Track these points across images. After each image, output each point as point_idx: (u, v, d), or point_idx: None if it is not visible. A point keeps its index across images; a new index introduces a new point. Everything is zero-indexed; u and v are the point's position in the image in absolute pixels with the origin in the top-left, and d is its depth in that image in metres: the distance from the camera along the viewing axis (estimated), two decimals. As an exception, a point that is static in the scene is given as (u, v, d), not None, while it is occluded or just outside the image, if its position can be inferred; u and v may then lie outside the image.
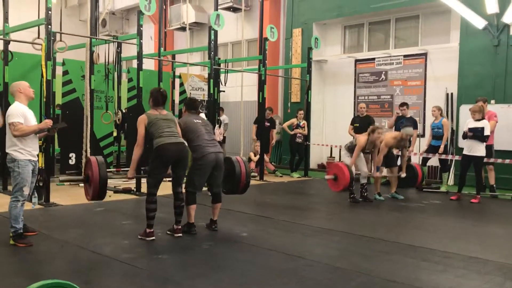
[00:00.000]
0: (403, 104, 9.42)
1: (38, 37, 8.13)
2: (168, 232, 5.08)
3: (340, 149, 10.42)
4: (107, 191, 8.04)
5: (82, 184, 8.48)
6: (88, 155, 8.84)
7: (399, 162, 8.23)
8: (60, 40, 7.97)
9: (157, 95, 5.05)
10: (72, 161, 9.33)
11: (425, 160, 9.15)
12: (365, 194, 7.68)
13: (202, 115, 8.31)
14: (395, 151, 8.22)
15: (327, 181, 7.59)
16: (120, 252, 4.37)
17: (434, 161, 9.49)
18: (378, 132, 7.44)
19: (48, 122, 4.80)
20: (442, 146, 8.76)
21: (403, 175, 8.04)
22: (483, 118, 7.63)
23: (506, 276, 3.91)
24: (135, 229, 5.21)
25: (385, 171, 8.07)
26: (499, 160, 8.32)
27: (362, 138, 7.53)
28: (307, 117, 11.37)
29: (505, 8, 9.12)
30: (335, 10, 12.03)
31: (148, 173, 4.93)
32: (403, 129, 7.96)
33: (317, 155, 12.73)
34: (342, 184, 7.28)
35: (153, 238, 4.83)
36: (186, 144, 5.07)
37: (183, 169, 5.02)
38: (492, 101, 9.16)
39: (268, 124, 11.25)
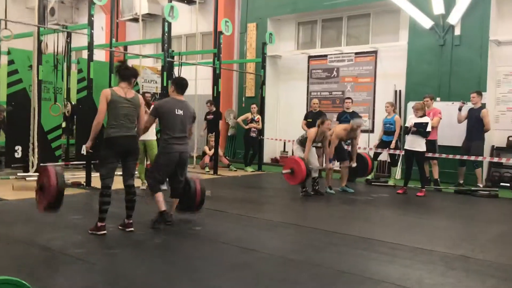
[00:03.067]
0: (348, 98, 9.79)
1: (-19, 25, 7.75)
2: (120, 227, 4.98)
3: (293, 144, 10.57)
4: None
5: (30, 179, 8.25)
6: (35, 148, 8.56)
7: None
8: (5, 28, 7.63)
9: (123, 71, 4.94)
10: (18, 154, 8.96)
11: (376, 155, 9.44)
12: (317, 187, 7.85)
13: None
14: (346, 147, 8.45)
15: (284, 175, 7.68)
16: (70, 247, 4.27)
17: (383, 155, 9.81)
18: (327, 124, 7.64)
19: None
20: (394, 142, 9.04)
21: (354, 165, 8.27)
22: (424, 115, 7.99)
23: (448, 265, 4.12)
24: (85, 224, 5.09)
25: (336, 165, 8.28)
26: (443, 155, 8.71)
27: (312, 130, 7.71)
28: (262, 112, 11.45)
29: (450, 9, 9.53)
30: (289, 6, 12.15)
31: (99, 163, 4.85)
32: (352, 120, 8.17)
33: (270, 150, 12.86)
34: (299, 178, 7.40)
35: (105, 232, 4.73)
36: (140, 134, 5.05)
37: (133, 159, 4.94)
38: (438, 99, 9.56)
39: (212, 116, 11.09)
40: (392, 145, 9.03)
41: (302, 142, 7.83)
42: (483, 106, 8.73)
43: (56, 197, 4.48)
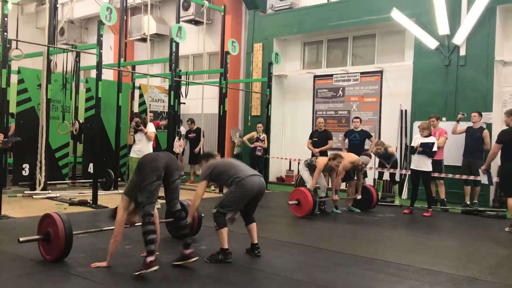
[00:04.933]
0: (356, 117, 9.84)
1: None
2: (177, 263, 4.35)
3: (298, 163, 10.58)
4: (62, 203, 7.88)
5: (37, 197, 8.28)
6: (43, 166, 8.61)
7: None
8: (16, 48, 7.75)
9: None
10: (25, 172, 9.02)
11: (380, 174, 9.47)
12: (323, 207, 7.82)
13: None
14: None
15: (290, 206, 7.62)
16: (76, 266, 4.27)
17: (389, 175, 9.79)
18: (338, 161, 7.63)
19: None
20: (389, 166, 9.14)
21: (359, 197, 8.25)
22: (430, 135, 8.00)
23: (456, 286, 4.08)
24: (91, 242, 5.10)
25: (343, 185, 8.26)
26: (450, 175, 8.67)
27: (321, 162, 7.71)
28: (267, 131, 11.48)
29: (455, 29, 9.60)
30: (295, 27, 12.28)
31: (139, 188, 4.22)
32: (361, 156, 8.17)
33: (276, 168, 12.86)
34: (306, 209, 7.34)
35: (156, 268, 4.01)
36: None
37: (178, 176, 4.40)
38: (444, 118, 9.56)
39: (194, 134, 11.61)
40: (388, 170, 9.12)
41: (310, 166, 7.85)
42: (483, 126, 8.79)
43: (65, 246, 4.31)
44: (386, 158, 9.21)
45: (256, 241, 4.94)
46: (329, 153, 8.94)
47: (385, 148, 9.06)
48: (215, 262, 4.56)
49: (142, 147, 7.83)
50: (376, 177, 9.65)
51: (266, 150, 11.33)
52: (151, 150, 7.90)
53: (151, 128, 7.98)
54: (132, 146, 8.04)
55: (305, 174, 7.91)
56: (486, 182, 7.59)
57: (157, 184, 4.20)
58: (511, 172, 6.78)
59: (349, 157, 8.11)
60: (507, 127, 7.02)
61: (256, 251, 4.91)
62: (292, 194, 7.68)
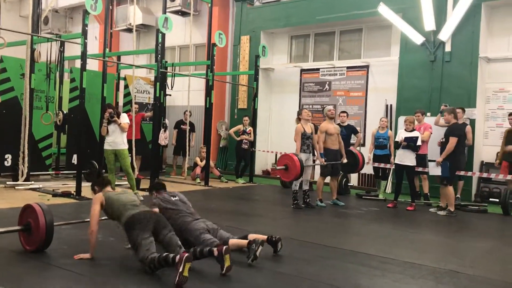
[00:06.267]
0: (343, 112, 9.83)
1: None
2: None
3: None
4: (45, 194, 7.79)
5: (19, 188, 8.18)
6: (26, 156, 8.50)
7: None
8: (-1, 36, 7.62)
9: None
10: (8, 163, 8.90)
11: (376, 170, 9.51)
12: (308, 200, 7.86)
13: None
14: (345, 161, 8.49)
15: (278, 172, 7.64)
16: (59, 258, 4.23)
17: (369, 169, 9.83)
18: (304, 112, 7.85)
19: None
20: (392, 157, 9.11)
21: (344, 160, 8.32)
22: (414, 129, 8.08)
23: (438, 280, 4.14)
24: (74, 234, 5.05)
25: (328, 178, 8.31)
26: (434, 170, 8.76)
27: (297, 127, 7.82)
28: (254, 124, 11.47)
29: (441, 25, 9.67)
30: (282, 20, 12.25)
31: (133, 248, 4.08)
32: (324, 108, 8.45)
33: (262, 162, 12.87)
34: (293, 174, 7.38)
35: (186, 254, 3.68)
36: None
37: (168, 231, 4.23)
38: (428, 114, 9.64)
39: (188, 127, 11.46)
40: (392, 160, 9.06)
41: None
42: (466, 123, 8.83)
43: (46, 237, 4.27)
44: (382, 143, 9.18)
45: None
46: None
47: (387, 127, 9.23)
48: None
49: (116, 139, 7.71)
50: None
51: (253, 143, 11.32)
52: (125, 142, 7.81)
53: (124, 119, 7.86)
54: (106, 137, 7.87)
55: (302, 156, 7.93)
56: (439, 173, 7.85)
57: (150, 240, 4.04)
58: (457, 162, 7.80)
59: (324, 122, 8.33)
60: (453, 123, 7.87)
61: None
62: (280, 159, 7.72)
